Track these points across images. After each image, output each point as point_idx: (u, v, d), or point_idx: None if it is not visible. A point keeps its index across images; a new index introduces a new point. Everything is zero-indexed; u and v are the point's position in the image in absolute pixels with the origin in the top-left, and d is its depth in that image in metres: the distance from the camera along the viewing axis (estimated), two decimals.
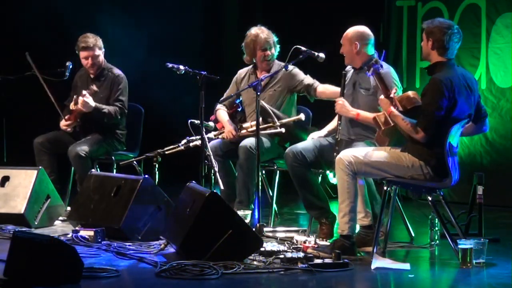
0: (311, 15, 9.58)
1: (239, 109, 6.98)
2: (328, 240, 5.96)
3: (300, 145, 6.25)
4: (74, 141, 7.25)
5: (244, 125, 6.82)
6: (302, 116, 6.72)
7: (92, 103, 7.17)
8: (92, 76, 7.44)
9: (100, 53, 7.39)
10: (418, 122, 5.43)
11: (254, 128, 6.42)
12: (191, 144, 6.72)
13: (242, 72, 7.07)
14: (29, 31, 9.16)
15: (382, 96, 5.61)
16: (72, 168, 7.31)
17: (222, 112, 6.96)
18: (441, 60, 5.55)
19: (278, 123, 6.63)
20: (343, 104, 6.10)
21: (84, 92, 7.14)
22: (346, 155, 5.59)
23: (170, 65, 6.50)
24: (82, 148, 7.10)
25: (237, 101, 7.00)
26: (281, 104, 6.86)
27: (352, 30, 6.21)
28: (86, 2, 9.27)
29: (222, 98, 6.92)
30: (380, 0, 9.39)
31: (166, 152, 6.75)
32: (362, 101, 6.14)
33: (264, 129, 6.62)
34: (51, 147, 7.30)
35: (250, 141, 6.53)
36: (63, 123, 7.36)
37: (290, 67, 6.73)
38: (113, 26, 8.93)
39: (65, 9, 9.22)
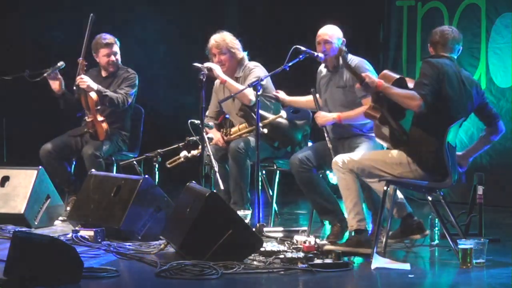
0: (311, 15, 9.57)
1: (227, 116, 6.96)
2: (338, 242, 5.91)
3: (303, 151, 6.29)
4: (81, 144, 7.24)
5: (233, 129, 6.83)
6: (283, 114, 6.61)
7: (94, 84, 7.15)
8: (104, 75, 7.43)
9: (118, 50, 7.40)
10: (415, 90, 5.36)
11: (239, 132, 6.69)
12: (189, 155, 6.69)
13: (216, 82, 7.03)
14: (28, 31, 9.17)
15: (357, 84, 5.50)
16: (71, 167, 7.33)
17: None
18: (440, 53, 5.58)
19: (261, 125, 6.43)
20: (320, 116, 6.18)
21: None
22: (340, 156, 5.70)
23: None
24: (98, 148, 7.10)
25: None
26: None
27: (336, 28, 6.25)
28: (86, 3, 9.27)
29: (207, 112, 6.95)
30: (380, 0, 9.38)
31: (168, 166, 6.76)
32: (341, 99, 6.20)
33: (248, 132, 6.68)
34: (59, 155, 7.20)
35: (236, 143, 6.61)
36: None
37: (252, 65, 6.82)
38: (112, 27, 8.92)
39: (65, 8, 9.22)
